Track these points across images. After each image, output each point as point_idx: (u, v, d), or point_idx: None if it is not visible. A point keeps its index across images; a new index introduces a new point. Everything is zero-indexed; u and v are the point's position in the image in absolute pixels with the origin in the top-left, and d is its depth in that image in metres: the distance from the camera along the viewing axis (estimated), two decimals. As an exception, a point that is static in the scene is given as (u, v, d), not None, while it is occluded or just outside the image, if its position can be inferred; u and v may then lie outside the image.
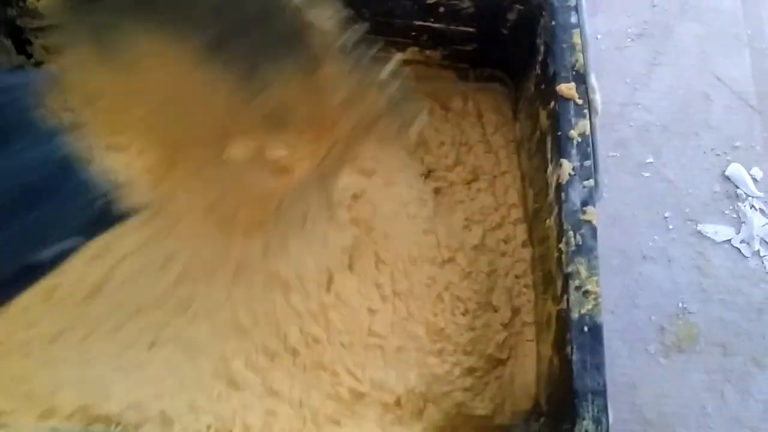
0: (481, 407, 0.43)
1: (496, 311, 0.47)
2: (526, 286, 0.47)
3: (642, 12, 0.68)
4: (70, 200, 0.25)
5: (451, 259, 0.49)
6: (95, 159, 0.24)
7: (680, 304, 0.58)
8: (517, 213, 0.49)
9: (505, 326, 0.46)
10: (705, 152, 0.63)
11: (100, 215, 0.27)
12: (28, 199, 0.23)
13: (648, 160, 0.63)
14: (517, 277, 0.48)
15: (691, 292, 0.58)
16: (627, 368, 0.55)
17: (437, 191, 0.51)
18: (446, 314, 0.46)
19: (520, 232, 0.49)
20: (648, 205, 0.61)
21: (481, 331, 0.46)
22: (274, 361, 0.43)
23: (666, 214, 0.61)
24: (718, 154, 0.63)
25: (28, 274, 0.25)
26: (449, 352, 0.45)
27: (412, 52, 0.51)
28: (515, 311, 0.47)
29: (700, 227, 0.60)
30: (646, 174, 0.62)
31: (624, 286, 0.58)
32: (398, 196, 0.50)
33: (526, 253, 0.48)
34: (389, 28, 0.49)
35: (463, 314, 0.46)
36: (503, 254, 0.48)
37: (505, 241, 0.49)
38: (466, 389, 0.44)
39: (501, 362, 0.45)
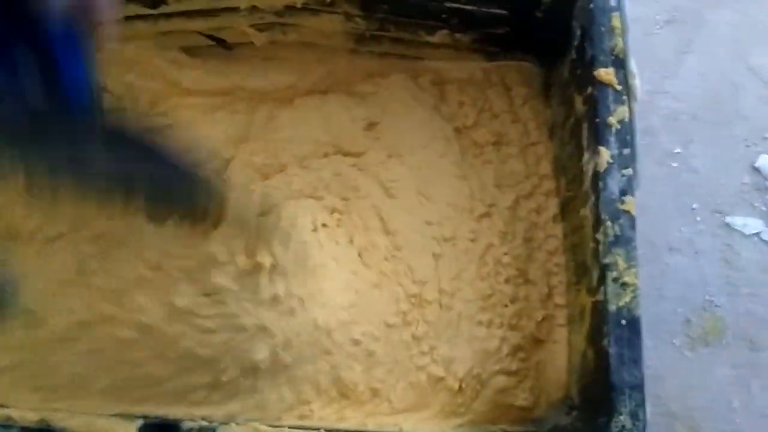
0: (522, 398, 0.43)
1: (534, 285, 0.46)
2: (557, 265, 0.46)
3: (672, -3, 0.66)
4: None
5: (487, 215, 0.48)
6: None
7: (707, 297, 0.57)
8: (549, 185, 0.48)
9: (543, 303, 0.45)
10: (735, 143, 0.62)
11: None
12: None
13: (676, 150, 0.61)
14: (549, 253, 0.47)
15: (719, 284, 0.57)
16: (652, 361, 0.54)
17: (461, 146, 0.50)
18: (491, 280, 0.45)
19: (552, 206, 0.47)
20: (675, 196, 0.60)
21: (523, 304, 0.45)
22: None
23: (694, 206, 0.60)
24: (748, 146, 0.62)
25: None
26: (497, 325, 0.44)
27: (441, 36, 0.49)
28: (550, 289, 0.46)
29: (728, 219, 0.59)
30: (674, 164, 0.61)
31: (650, 277, 0.57)
32: (418, 127, 0.50)
33: (558, 230, 0.47)
34: (420, 10, 0.48)
35: (506, 282, 0.46)
36: (535, 225, 0.47)
37: (537, 212, 0.48)
38: (510, 373, 0.43)
39: (539, 344, 0.44)
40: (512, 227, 0.47)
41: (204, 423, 0.38)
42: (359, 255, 0.46)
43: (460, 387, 0.43)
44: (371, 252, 0.46)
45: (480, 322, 0.44)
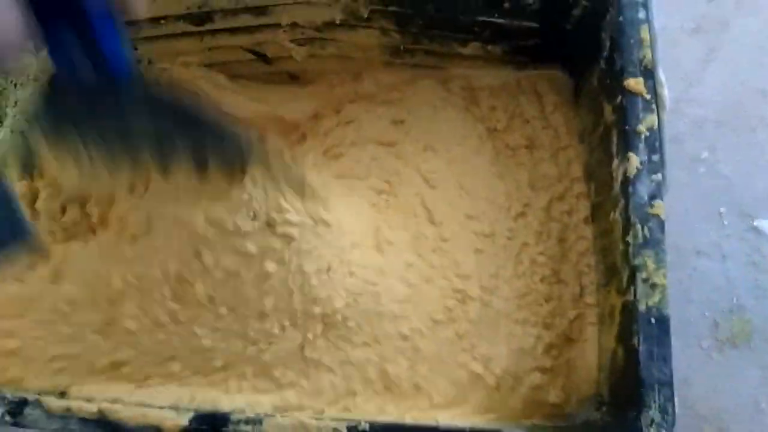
0: (554, 394, 0.44)
1: (566, 284, 0.47)
2: (588, 266, 0.47)
3: (698, 6, 0.67)
4: None
5: (523, 215, 0.49)
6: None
7: (734, 300, 0.58)
8: (580, 187, 0.49)
9: (575, 303, 0.46)
10: (761, 148, 0.62)
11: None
12: None
13: (702, 156, 0.62)
14: (580, 254, 0.47)
15: (746, 288, 0.58)
16: (680, 363, 0.54)
17: (494, 147, 0.52)
18: (527, 279, 0.47)
19: (583, 208, 0.48)
20: (702, 201, 0.61)
21: (556, 303, 0.46)
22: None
23: (721, 210, 0.60)
24: (776, 151, 0.62)
25: None
26: (532, 323, 0.46)
27: (473, 48, 0.51)
28: (582, 289, 0.47)
29: (756, 223, 0.60)
30: (701, 169, 0.62)
31: (678, 281, 0.58)
32: (449, 125, 0.51)
33: (588, 232, 0.48)
34: (452, 23, 0.49)
35: (541, 281, 0.47)
36: (566, 226, 0.48)
37: (569, 214, 0.49)
38: (545, 371, 0.44)
39: (571, 342, 0.45)
40: (546, 227, 0.48)
41: (251, 415, 0.39)
42: (412, 244, 0.47)
43: (498, 384, 0.44)
44: (422, 242, 0.47)
45: (517, 321, 0.46)
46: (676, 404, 0.36)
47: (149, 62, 0.55)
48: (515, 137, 0.51)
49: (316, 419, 0.39)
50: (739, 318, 0.57)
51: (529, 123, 0.51)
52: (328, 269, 0.44)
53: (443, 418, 0.42)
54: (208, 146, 0.35)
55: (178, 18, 0.51)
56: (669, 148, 0.61)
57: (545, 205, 0.49)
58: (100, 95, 0.31)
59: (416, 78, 0.54)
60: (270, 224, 0.42)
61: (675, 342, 0.55)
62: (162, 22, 0.51)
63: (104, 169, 0.35)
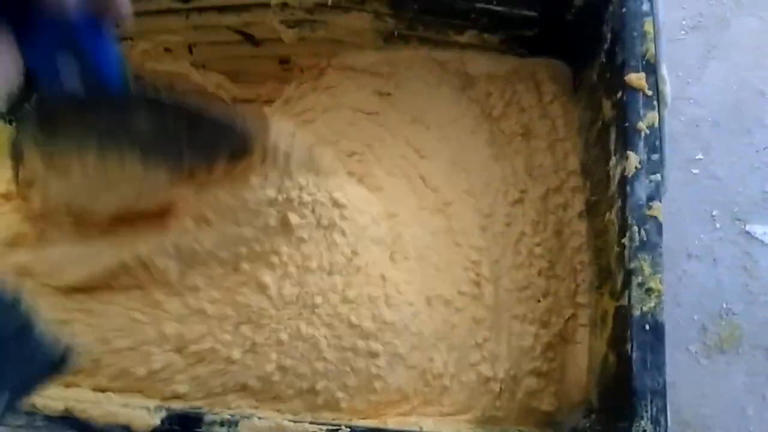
0: (548, 402, 0.43)
1: (562, 280, 0.45)
2: (581, 263, 0.45)
3: (698, 4, 0.66)
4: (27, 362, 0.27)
5: (520, 201, 0.47)
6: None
7: (724, 305, 0.57)
8: (575, 180, 0.47)
9: (570, 301, 0.45)
10: (757, 151, 0.61)
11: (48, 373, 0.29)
12: None
13: (697, 157, 0.61)
14: (575, 250, 0.46)
15: (736, 292, 0.57)
16: (667, 367, 0.54)
17: (490, 130, 0.50)
18: (525, 271, 0.45)
19: (578, 202, 0.47)
20: (695, 203, 0.60)
21: (553, 300, 0.45)
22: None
23: (713, 213, 0.60)
24: (770, 154, 0.61)
25: None
26: (530, 320, 0.44)
27: (470, 36, 0.49)
28: (576, 286, 0.45)
29: (748, 227, 0.59)
30: (695, 170, 0.61)
31: (667, 283, 0.55)
32: (443, 103, 0.50)
33: (582, 227, 0.46)
34: (450, 10, 0.48)
35: (539, 275, 0.45)
36: (561, 220, 0.47)
37: (564, 208, 0.47)
38: (541, 375, 0.43)
39: (565, 343, 0.44)
40: (544, 218, 0.47)
41: (226, 416, 0.38)
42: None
43: (500, 390, 0.42)
44: (423, 203, 0.46)
45: (515, 316, 0.44)
46: (669, 415, 0.35)
47: (131, 40, 0.52)
48: (510, 124, 0.50)
49: (294, 422, 0.38)
50: (728, 323, 0.57)
51: (526, 111, 0.50)
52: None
53: (425, 424, 0.40)
54: (217, 139, 0.35)
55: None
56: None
57: (542, 194, 0.47)
58: (94, 105, 0.31)
59: (409, 58, 0.52)
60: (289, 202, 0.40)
61: (663, 346, 0.54)
62: (146, -4, 0.49)
63: (99, 181, 0.35)
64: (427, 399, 0.42)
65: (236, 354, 0.40)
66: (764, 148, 0.61)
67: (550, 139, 0.49)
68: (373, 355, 0.41)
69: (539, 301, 0.44)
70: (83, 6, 0.27)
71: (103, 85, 0.29)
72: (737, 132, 0.62)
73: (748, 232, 0.59)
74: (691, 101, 0.63)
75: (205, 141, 0.35)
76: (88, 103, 0.30)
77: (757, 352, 0.56)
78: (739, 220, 0.59)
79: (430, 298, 0.44)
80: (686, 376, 0.55)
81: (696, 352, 0.56)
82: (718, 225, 0.59)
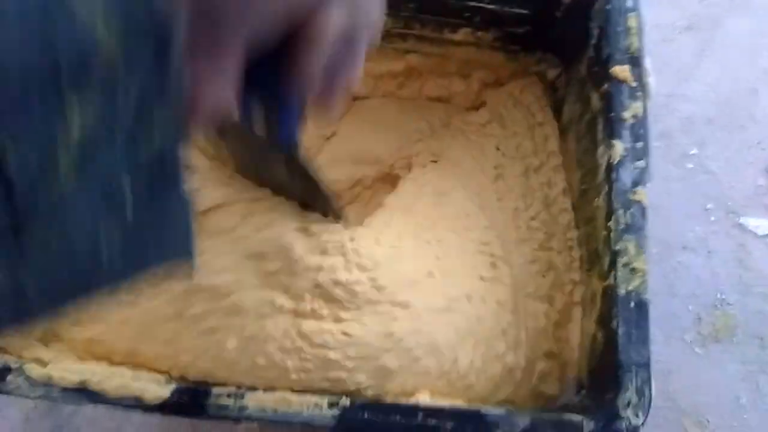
0: (552, 385, 0.43)
1: (560, 254, 0.46)
2: (570, 239, 0.46)
3: (691, 4, 0.68)
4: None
5: (500, 177, 0.49)
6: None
7: (719, 295, 0.58)
8: (556, 160, 0.49)
9: (568, 276, 0.45)
10: (750, 146, 0.63)
11: None
12: None
13: (692, 152, 0.63)
14: (565, 227, 0.47)
15: (731, 283, 0.58)
16: (662, 356, 0.55)
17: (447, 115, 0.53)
18: (528, 245, 0.46)
19: (560, 180, 0.48)
20: (690, 197, 0.61)
21: (555, 275, 0.45)
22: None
23: (708, 206, 0.61)
24: (764, 149, 0.63)
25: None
26: (540, 298, 0.45)
27: (464, 33, 0.51)
28: (572, 261, 0.46)
29: (742, 220, 0.60)
30: (689, 165, 0.62)
31: (662, 274, 0.58)
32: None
33: (568, 203, 0.48)
34: (443, 7, 0.50)
35: (540, 249, 0.46)
36: (547, 197, 0.48)
37: (548, 186, 0.48)
38: (551, 357, 0.43)
39: (567, 321, 0.45)
40: (531, 193, 0.48)
41: (233, 389, 0.39)
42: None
43: (521, 377, 0.43)
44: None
45: (528, 294, 0.44)
46: (653, 386, 0.36)
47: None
48: (482, 114, 0.53)
49: (298, 394, 0.39)
50: (723, 313, 0.58)
51: (495, 94, 0.53)
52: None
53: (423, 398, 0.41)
54: (316, 196, 0.42)
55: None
56: (660, 144, 0.62)
57: (522, 172, 0.49)
58: (266, 148, 0.37)
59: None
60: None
61: (658, 335, 0.55)
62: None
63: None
64: (446, 394, 0.42)
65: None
66: (757, 144, 0.63)
67: (528, 124, 0.51)
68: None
69: (544, 276, 0.46)
70: (301, 95, 0.31)
71: (279, 141, 0.34)
72: (731, 128, 0.64)
73: (741, 225, 0.60)
74: (686, 98, 0.65)
75: (312, 194, 0.42)
76: (265, 146, 0.36)
77: (751, 341, 0.57)
78: (732, 213, 0.61)
79: (450, 304, 0.42)
80: (682, 365, 0.56)
81: (691, 342, 0.57)
82: (712, 218, 0.61)
